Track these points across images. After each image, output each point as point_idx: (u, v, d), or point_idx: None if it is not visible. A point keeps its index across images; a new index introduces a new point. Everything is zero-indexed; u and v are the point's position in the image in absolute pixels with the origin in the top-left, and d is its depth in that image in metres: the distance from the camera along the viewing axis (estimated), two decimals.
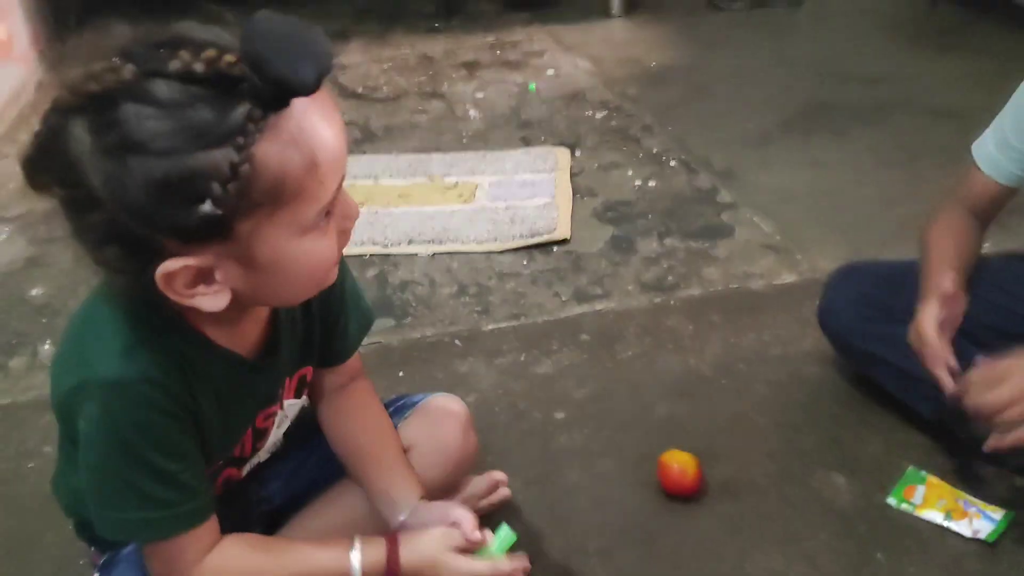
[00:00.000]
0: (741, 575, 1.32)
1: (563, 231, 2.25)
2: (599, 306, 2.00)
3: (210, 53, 0.77)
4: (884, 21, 3.72)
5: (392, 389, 1.77)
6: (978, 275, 1.54)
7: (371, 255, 2.21)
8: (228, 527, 1.06)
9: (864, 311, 1.56)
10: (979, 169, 1.49)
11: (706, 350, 1.84)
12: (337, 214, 0.90)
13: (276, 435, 1.20)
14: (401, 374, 1.81)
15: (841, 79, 3.13)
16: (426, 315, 2.00)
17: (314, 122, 0.82)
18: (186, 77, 0.76)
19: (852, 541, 1.36)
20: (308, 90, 0.79)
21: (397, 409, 1.34)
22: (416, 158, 2.69)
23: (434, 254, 2.21)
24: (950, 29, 3.50)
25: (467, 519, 1.09)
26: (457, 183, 2.50)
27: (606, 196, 2.47)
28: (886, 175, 2.52)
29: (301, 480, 1.31)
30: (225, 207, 0.78)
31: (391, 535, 1.09)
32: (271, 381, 1.11)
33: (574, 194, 2.46)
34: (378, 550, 1.07)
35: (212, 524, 1.02)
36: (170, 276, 0.83)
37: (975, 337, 1.46)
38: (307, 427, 1.27)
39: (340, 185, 0.88)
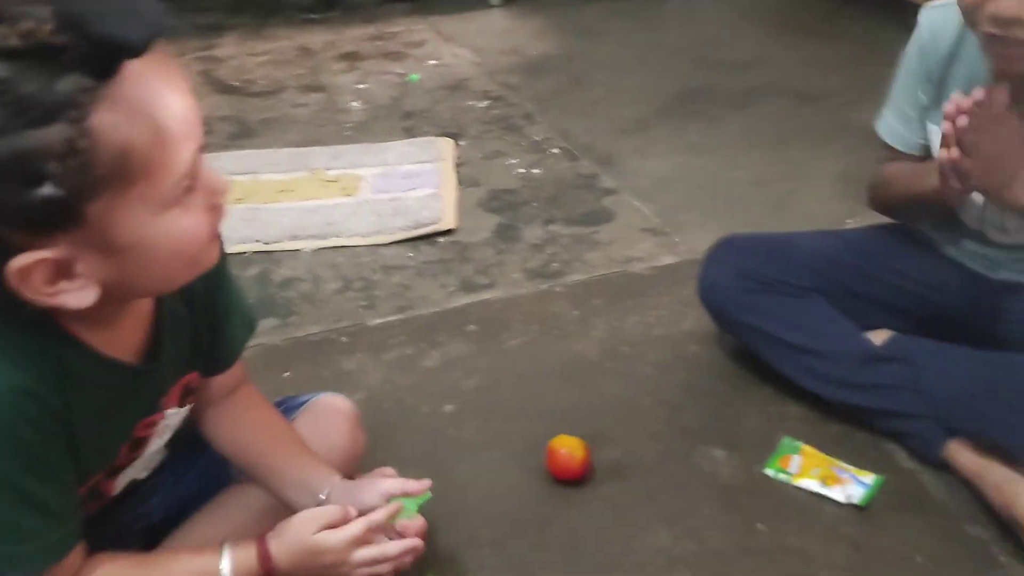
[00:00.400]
0: (630, 556, 1.33)
1: (448, 221, 2.23)
2: (486, 295, 1.98)
3: (27, 25, 0.71)
4: (752, 8, 3.83)
5: (278, 391, 1.69)
6: (852, 248, 1.62)
7: (252, 253, 2.12)
8: (104, 545, 0.99)
9: (743, 283, 1.60)
10: (888, 146, 1.54)
11: (591, 335, 1.85)
12: (202, 188, 0.84)
13: (156, 445, 1.13)
14: (287, 375, 1.74)
15: (712, 65, 3.20)
16: (311, 312, 1.94)
17: (154, 87, 0.77)
18: (3, 54, 0.70)
19: (735, 514, 1.39)
20: (136, 50, 0.74)
21: (283, 412, 1.28)
22: (296, 152, 2.59)
23: (318, 249, 2.14)
24: (815, 16, 3.64)
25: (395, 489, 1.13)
26: (340, 176, 2.43)
27: (490, 185, 2.46)
28: (757, 157, 2.59)
29: (181, 493, 1.24)
30: (67, 188, 0.72)
31: (261, 535, 1.05)
32: (154, 387, 1.04)
33: (459, 184, 2.43)
34: (248, 551, 1.03)
35: (80, 549, 0.95)
36: (24, 272, 0.76)
37: (848, 306, 1.54)
38: (188, 438, 1.20)
39: (197, 155, 0.82)
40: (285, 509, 1.13)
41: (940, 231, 1.53)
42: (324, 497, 1.13)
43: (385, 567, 1.08)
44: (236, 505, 1.21)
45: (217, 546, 1.03)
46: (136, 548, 1.18)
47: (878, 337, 1.56)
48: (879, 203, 1.59)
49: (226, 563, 1.00)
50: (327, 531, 1.04)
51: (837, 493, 1.40)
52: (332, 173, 2.46)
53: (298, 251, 2.14)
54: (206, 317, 1.09)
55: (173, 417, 1.11)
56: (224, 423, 1.20)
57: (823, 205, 2.32)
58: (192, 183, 0.82)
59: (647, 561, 1.32)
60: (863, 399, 1.50)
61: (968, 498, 1.39)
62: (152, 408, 1.05)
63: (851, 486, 1.41)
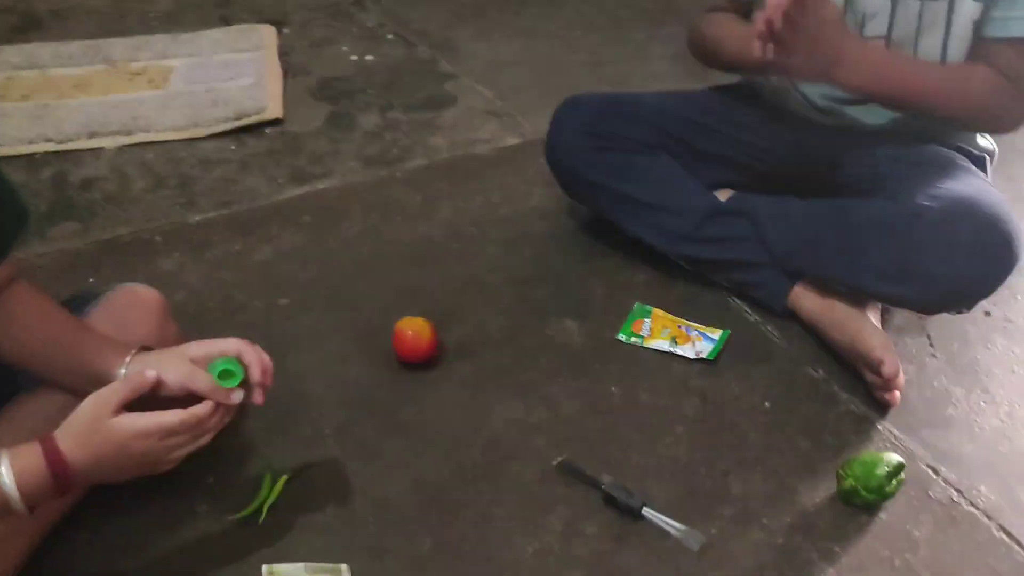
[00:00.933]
0: (483, 431, 1.27)
1: (274, 110, 2.03)
2: (320, 185, 1.83)
3: None
4: None
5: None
6: (695, 105, 1.59)
7: (44, 154, 1.87)
8: None
9: (590, 141, 1.54)
10: None
11: (436, 217, 1.75)
12: None
13: None
14: (92, 280, 1.54)
15: None
16: (118, 214, 1.73)
17: None
18: None
19: (587, 379, 1.36)
20: None
21: (75, 306, 1.11)
22: (93, 44, 2.30)
23: (123, 147, 1.91)
24: None
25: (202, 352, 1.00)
26: (145, 68, 2.17)
27: (321, 73, 2.27)
28: (595, 40, 2.52)
29: None
30: None
31: (44, 433, 0.90)
32: None
33: (285, 73, 2.23)
34: (31, 454, 0.87)
35: None
36: None
37: (692, 164, 1.52)
38: None
39: None
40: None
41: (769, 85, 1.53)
42: (123, 372, 0.99)
43: (205, 437, 0.97)
44: (24, 414, 1.04)
45: None
46: None
47: (722, 196, 1.56)
48: (700, 55, 1.53)
49: (4, 471, 0.85)
50: (127, 415, 0.90)
51: (687, 350, 1.39)
52: (136, 65, 2.19)
53: (100, 149, 1.90)
54: None
55: None
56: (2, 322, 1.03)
57: (660, 85, 2.29)
58: None
59: (502, 434, 1.26)
60: (709, 252, 1.49)
61: (809, 343, 1.42)
62: None
63: (700, 343, 1.41)
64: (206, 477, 1.20)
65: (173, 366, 0.99)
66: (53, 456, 0.86)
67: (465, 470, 1.21)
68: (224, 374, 1.01)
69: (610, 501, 1.14)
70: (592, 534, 1.12)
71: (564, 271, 1.60)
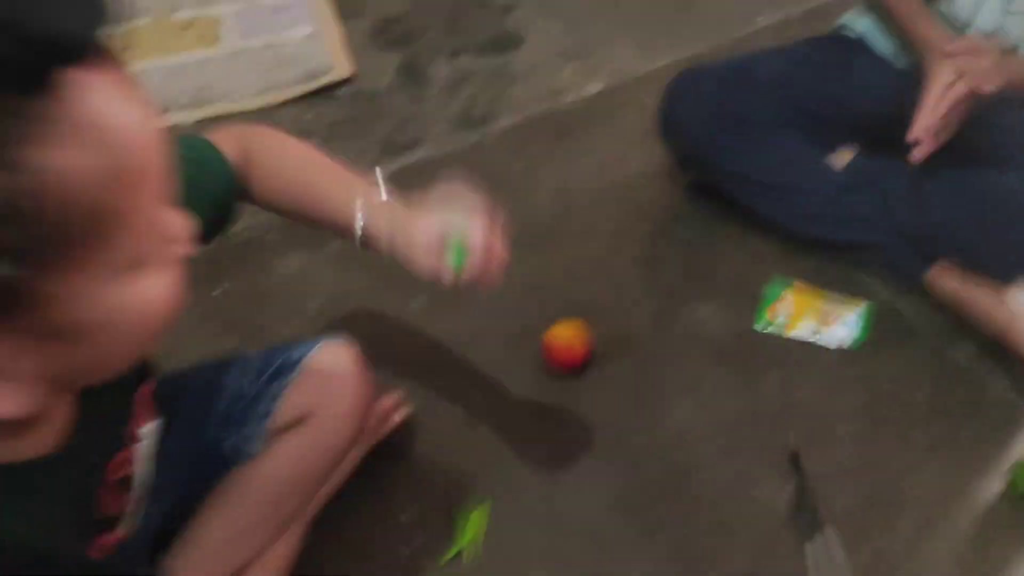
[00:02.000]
0: (657, 437, 1.27)
1: (344, 67, 1.88)
2: (414, 157, 1.73)
3: None
4: None
5: (215, 312, 1.45)
6: (805, 65, 1.51)
7: None
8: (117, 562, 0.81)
9: (712, 123, 1.47)
10: None
11: (540, 189, 1.66)
12: (160, 234, 0.58)
13: (143, 473, 0.89)
14: (217, 292, 1.48)
15: None
16: None
17: (107, 106, 0.50)
18: None
19: (739, 377, 1.35)
20: (79, 46, 0.48)
21: (274, 373, 1.06)
22: None
23: (199, 121, 1.77)
24: None
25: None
26: (193, 20, 1.98)
27: (374, 12, 2.09)
28: None
29: (172, 491, 1.02)
30: (6, 263, 0.47)
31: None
32: (106, 442, 0.79)
33: (338, 15, 2.06)
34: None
35: None
36: None
37: (808, 128, 1.47)
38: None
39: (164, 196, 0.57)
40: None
41: None
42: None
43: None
44: (239, 494, 1.03)
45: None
46: (145, 555, 1.01)
47: (840, 160, 1.50)
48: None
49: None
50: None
51: (828, 339, 1.38)
52: (180, 17, 2.00)
53: (175, 127, 1.78)
54: None
55: (148, 434, 0.87)
56: (261, 182, 0.94)
57: (729, 3, 2.17)
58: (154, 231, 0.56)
59: (672, 445, 1.26)
60: (841, 233, 1.46)
61: (946, 322, 1.41)
62: (114, 449, 0.80)
63: (841, 327, 1.40)
64: (398, 516, 1.20)
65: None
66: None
67: (650, 484, 1.23)
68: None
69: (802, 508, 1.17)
70: (783, 553, 1.16)
71: (687, 245, 1.55)
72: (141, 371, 0.86)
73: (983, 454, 1.25)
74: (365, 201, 0.94)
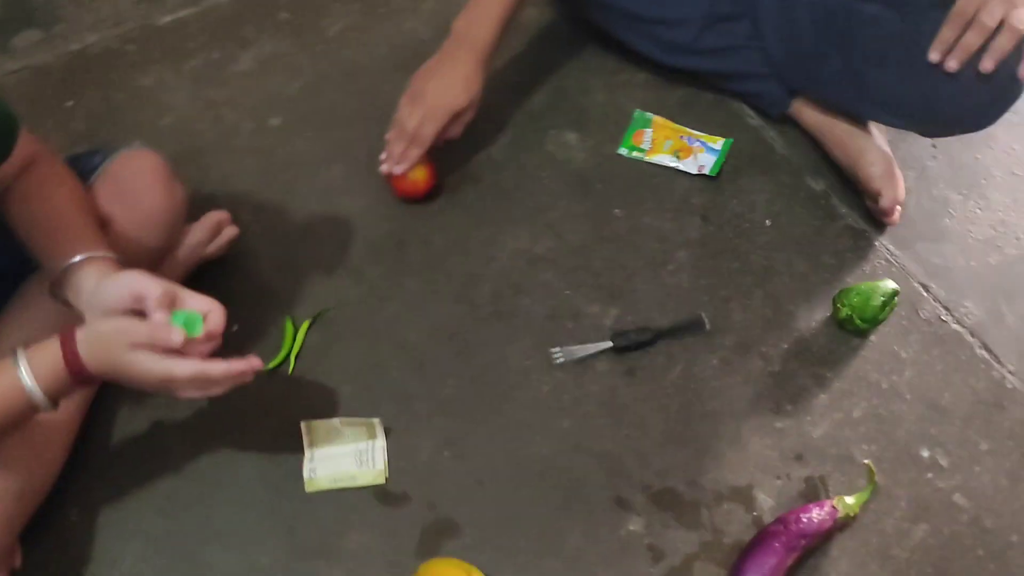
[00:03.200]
0: (493, 263, 1.24)
1: None
2: None
3: None
4: None
5: (65, 127, 1.40)
6: None
7: None
8: None
9: None
10: None
11: (421, 8, 1.56)
12: None
13: None
14: (71, 104, 1.41)
15: None
16: (81, 17, 1.53)
17: None
18: None
19: (590, 202, 1.30)
20: None
21: (79, 177, 1.02)
22: None
23: None
24: None
25: (152, 290, 0.85)
26: None
27: None
28: None
29: None
30: None
31: (64, 330, 0.85)
32: None
33: None
34: (51, 351, 0.83)
35: None
36: None
37: None
38: None
39: None
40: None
41: None
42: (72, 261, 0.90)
43: (216, 389, 0.89)
44: (26, 307, 1.01)
45: (10, 353, 0.84)
46: None
47: None
48: None
49: (24, 370, 0.82)
50: (142, 352, 0.84)
51: (689, 165, 1.32)
52: None
53: None
54: None
55: None
56: (15, 200, 0.95)
57: None
58: None
59: (510, 268, 1.23)
60: (708, 63, 1.36)
61: (810, 152, 1.34)
62: None
63: (702, 155, 1.33)
64: (229, 326, 1.18)
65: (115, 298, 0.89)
66: (70, 353, 0.82)
67: (478, 308, 1.20)
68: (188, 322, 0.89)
69: (625, 350, 1.15)
70: (603, 370, 1.14)
71: (562, 73, 1.45)
72: None
73: (817, 280, 1.21)
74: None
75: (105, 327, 0.85)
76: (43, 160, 0.97)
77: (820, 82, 1.27)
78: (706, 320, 1.16)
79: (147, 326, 0.84)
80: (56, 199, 0.96)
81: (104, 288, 0.88)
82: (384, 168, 1.24)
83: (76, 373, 0.83)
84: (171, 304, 0.87)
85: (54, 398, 0.85)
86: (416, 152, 1.22)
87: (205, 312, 0.88)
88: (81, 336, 0.84)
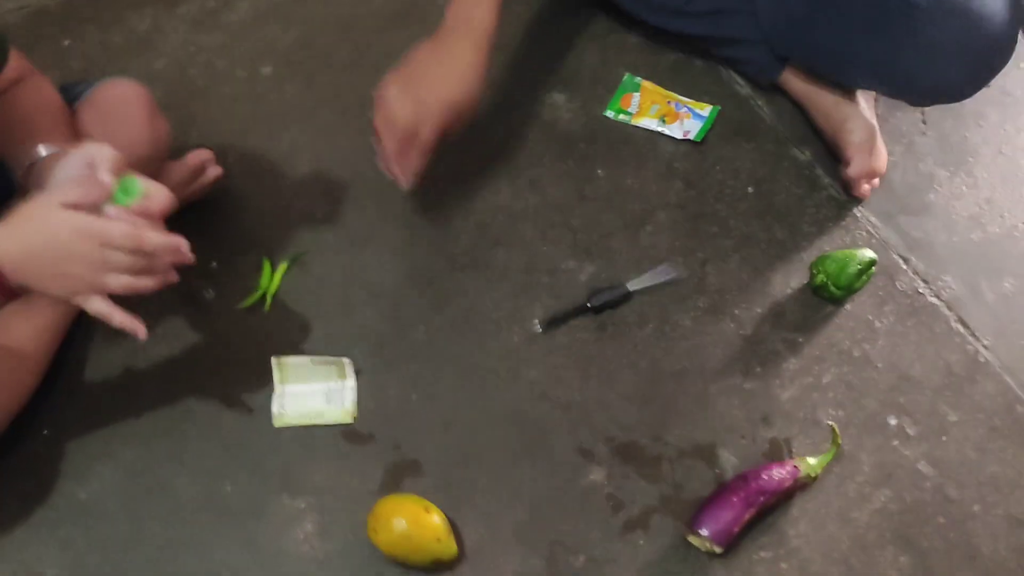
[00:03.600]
0: (472, 216, 1.23)
1: None
2: None
3: None
4: None
5: (62, 65, 1.40)
6: None
7: None
8: None
9: None
10: None
11: None
12: None
13: None
14: (67, 43, 1.42)
15: None
16: None
17: None
18: None
19: (573, 161, 1.29)
20: None
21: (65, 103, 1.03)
22: None
23: None
24: None
25: (103, 154, 0.82)
26: None
27: None
28: None
29: None
30: None
31: None
32: None
33: None
34: None
35: None
36: None
37: None
38: None
39: None
40: None
41: None
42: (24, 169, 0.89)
43: (143, 281, 0.84)
44: None
45: None
46: None
47: None
48: None
49: None
50: (71, 210, 0.79)
51: (674, 129, 1.31)
52: None
53: None
54: None
55: None
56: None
57: None
58: None
59: (490, 221, 1.23)
60: (699, 27, 1.34)
61: (798, 121, 1.33)
62: None
63: (688, 120, 1.32)
64: (209, 262, 1.19)
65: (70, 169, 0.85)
66: None
67: (455, 258, 1.20)
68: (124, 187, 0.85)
69: (600, 310, 1.14)
70: (575, 324, 1.14)
71: (553, 34, 1.44)
72: None
73: (795, 248, 1.20)
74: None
75: (34, 200, 0.80)
76: (29, 78, 0.97)
77: (810, 48, 1.25)
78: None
79: (80, 182, 0.80)
80: (31, 103, 0.96)
81: (60, 164, 0.85)
82: (386, 171, 1.11)
83: None
84: (119, 172, 0.83)
85: None
86: (420, 161, 1.07)
87: (150, 190, 0.84)
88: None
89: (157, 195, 0.84)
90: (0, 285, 0.79)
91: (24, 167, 0.89)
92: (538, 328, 1.13)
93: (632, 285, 1.15)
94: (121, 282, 0.82)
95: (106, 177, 0.81)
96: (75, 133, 0.97)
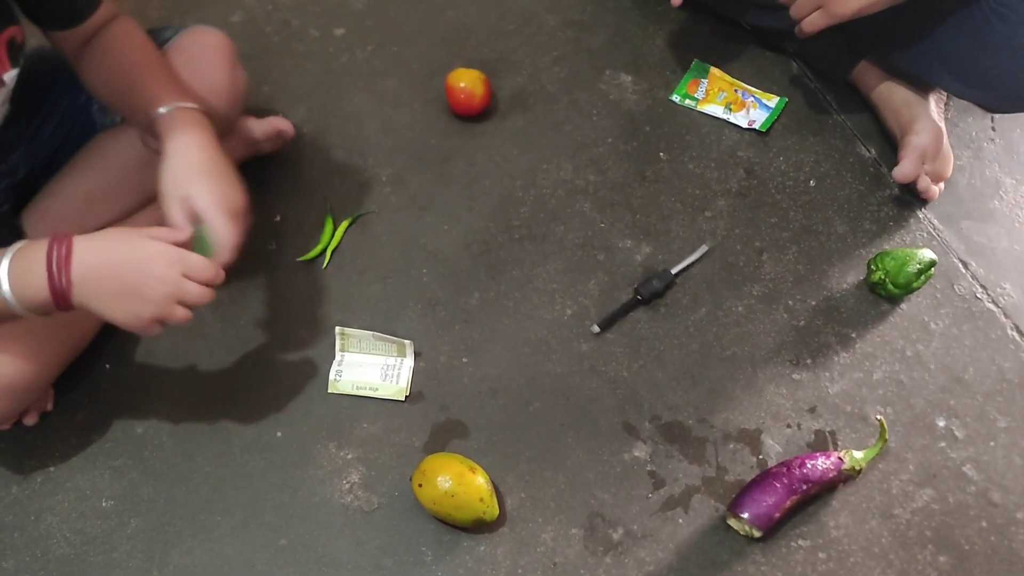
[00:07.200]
0: (531, 189, 1.23)
1: None
2: None
3: None
4: None
5: (142, 14, 1.43)
6: None
7: None
8: None
9: None
10: None
11: None
12: None
13: (2, 115, 0.92)
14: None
15: None
16: None
17: None
18: None
19: (637, 142, 1.28)
20: None
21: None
22: None
23: None
24: None
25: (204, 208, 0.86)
26: None
27: None
28: None
29: (42, 149, 1.05)
30: None
31: (61, 234, 0.80)
32: None
33: None
34: (36, 249, 0.78)
35: None
36: None
37: None
38: (36, 94, 1.00)
39: None
40: (153, 158, 0.91)
41: None
42: (162, 112, 0.90)
43: (196, 292, 0.83)
44: (101, 156, 1.04)
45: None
46: (7, 208, 1.04)
47: None
48: None
49: (2, 270, 0.78)
50: (161, 242, 0.82)
51: (740, 118, 1.29)
52: None
53: None
54: None
55: (9, 78, 0.88)
56: (94, 55, 0.95)
57: None
58: None
59: (549, 195, 1.22)
60: (775, 20, 1.31)
61: (866, 118, 1.30)
62: None
63: (755, 111, 1.30)
64: (273, 215, 1.21)
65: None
66: (60, 251, 0.77)
67: (513, 228, 1.20)
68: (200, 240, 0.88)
69: (650, 301, 1.13)
70: (623, 299, 1.14)
71: (625, 14, 1.43)
72: (8, 16, 0.85)
73: (854, 244, 1.18)
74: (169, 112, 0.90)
75: (124, 229, 0.84)
76: (121, 19, 0.99)
77: (888, 44, 1.22)
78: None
79: (171, 232, 0.84)
80: (137, 53, 0.97)
81: (169, 170, 0.87)
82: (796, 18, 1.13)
83: (59, 263, 0.77)
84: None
85: (27, 303, 0.79)
86: (826, 24, 1.11)
87: (218, 248, 0.87)
88: (84, 236, 0.80)
89: (221, 255, 0.87)
90: (62, 296, 0.78)
91: (143, 118, 0.91)
92: (596, 330, 1.11)
93: (675, 269, 1.14)
94: (185, 314, 0.83)
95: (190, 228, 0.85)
96: (181, 85, 0.97)
